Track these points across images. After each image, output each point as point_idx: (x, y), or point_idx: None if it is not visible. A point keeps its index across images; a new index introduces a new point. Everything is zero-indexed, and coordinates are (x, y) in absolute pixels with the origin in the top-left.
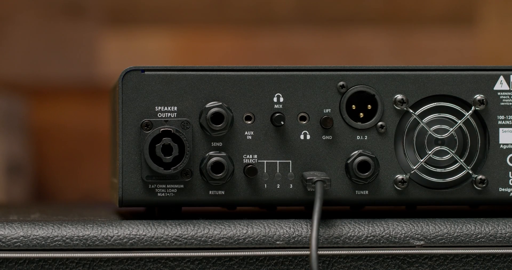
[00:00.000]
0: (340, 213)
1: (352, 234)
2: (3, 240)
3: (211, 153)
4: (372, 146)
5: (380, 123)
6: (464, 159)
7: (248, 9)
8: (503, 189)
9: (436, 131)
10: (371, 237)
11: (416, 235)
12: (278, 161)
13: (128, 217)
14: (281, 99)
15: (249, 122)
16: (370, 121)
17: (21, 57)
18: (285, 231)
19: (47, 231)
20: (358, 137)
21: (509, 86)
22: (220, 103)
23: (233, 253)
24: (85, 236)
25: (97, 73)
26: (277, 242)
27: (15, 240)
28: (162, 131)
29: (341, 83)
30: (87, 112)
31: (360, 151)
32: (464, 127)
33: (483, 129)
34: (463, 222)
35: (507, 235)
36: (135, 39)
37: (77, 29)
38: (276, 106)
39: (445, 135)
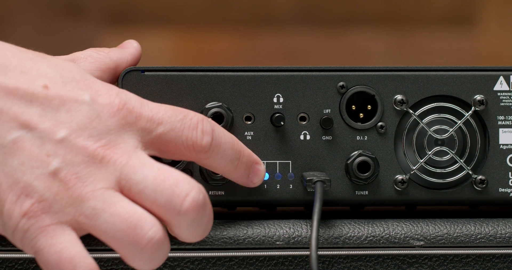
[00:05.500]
0: (340, 214)
1: (352, 235)
2: (4, 240)
3: None
4: (372, 146)
5: (380, 123)
6: (464, 159)
7: (248, 9)
8: (503, 190)
9: (436, 131)
10: (371, 238)
11: (416, 236)
12: (278, 161)
13: None
14: (281, 100)
15: (249, 122)
16: (370, 122)
17: None
18: (285, 231)
19: None
20: (358, 138)
21: (509, 86)
22: (220, 104)
23: (233, 254)
24: (86, 236)
25: None
26: (277, 243)
27: None
28: None
29: (341, 83)
30: None
31: (360, 151)
32: (464, 128)
33: (483, 129)
34: (463, 223)
35: (507, 235)
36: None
37: (77, 29)
38: (276, 106)
39: (445, 136)
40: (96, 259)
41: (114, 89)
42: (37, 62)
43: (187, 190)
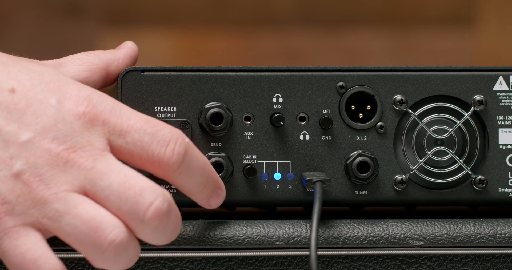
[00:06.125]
0: (339, 214)
1: (352, 235)
2: None
3: (210, 153)
4: (372, 146)
5: (379, 123)
6: (463, 159)
7: (248, 9)
8: (502, 190)
9: (435, 131)
10: (370, 238)
11: (416, 236)
12: (277, 161)
13: None
14: (281, 100)
15: (249, 122)
16: (370, 122)
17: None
18: (284, 231)
19: None
20: (357, 138)
21: (508, 86)
22: (220, 104)
23: (233, 254)
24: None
25: None
26: (277, 243)
27: None
28: None
29: (340, 83)
30: None
31: (360, 151)
32: (463, 128)
33: (482, 129)
34: (462, 223)
35: (506, 235)
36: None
37: (76, 29)
38: (275, 106)
39: (444, 136)
40: (69, 259)
41: (86, 91)
42: (9, 66)
43: (151, 199)
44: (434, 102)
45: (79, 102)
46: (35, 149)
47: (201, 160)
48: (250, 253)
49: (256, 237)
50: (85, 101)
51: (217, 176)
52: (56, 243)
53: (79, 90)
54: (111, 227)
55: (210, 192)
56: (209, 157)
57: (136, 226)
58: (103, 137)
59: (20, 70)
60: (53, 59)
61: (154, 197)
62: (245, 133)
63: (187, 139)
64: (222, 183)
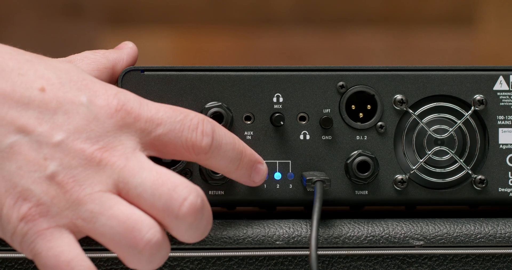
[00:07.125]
0: (339, 213)
1: (352, 234)
2: (3, 240)
3: None
4: (372, 146)
5: (379, 123)
6: (463, 159)
7: (248, 9)
8: (502, 189)
9: (435, 131)
10: (370, 237)
11: (416, 235)
12: (277, 161)
13: None
14: (281, 99)
15: (249, 122)
16: (370, 121)
17: None
18: (284, 231)
19: None
20: (357, 137)
21: (508, 86)
22: (220, 103)
23: (233, 253)
24: (85, 236)
25: None
26: (277, 242)
27: None
28: None
29: (340, 83)
30: None
31: (360, 151)
32: (463, 127)
33: (482, 129)
34: (462, 222)
35: (506, 235)
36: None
37: (76, 29)
38: (275, 106)
39: (444, 135)
40: (95, 258)
41: (112, 89)
42: (35, 64)
43: (185, 194)
44: (434, 102)
45: (109, 100)
46: (68, 150)
47: (230, 136)
48: (250, 253)
49: (256, 237)
50: (115, 99)
51: (250, 150)
52: None
53: (105, 89)
54: (147, 227)
55: (248, 167)
56: None
57: (171, 222)
58: (134, 135)
59: (46, 68)
60: (53, 58)
61: (188, 192)
62: (245, 133)
63: (210, 120)
64: (259, 157)
